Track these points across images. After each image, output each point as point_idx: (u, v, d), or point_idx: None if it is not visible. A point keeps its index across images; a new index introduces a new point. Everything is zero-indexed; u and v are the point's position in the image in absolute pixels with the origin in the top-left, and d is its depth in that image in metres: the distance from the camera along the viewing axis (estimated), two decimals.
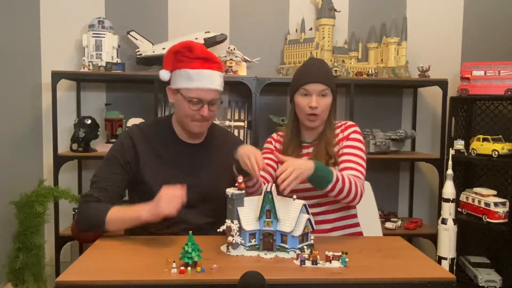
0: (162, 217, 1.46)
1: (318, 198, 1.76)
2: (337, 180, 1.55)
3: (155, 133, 1.75)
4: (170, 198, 1.46)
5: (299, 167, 1.47)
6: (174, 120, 1.78)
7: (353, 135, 1.78)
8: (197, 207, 1.71)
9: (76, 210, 1.68)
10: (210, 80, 1.64)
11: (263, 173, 1.80)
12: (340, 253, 1.32)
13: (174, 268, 1.24)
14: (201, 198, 1.71)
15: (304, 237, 1.40)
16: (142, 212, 1.50)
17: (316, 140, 1.81)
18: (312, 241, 1.44)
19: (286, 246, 1.39)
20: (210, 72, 1.65)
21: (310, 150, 1.81)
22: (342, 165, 1.72)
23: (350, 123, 1.83)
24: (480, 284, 2.64)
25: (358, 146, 1.75)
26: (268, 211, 1.40)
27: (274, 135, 1.94)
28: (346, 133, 1.79)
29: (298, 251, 1.36)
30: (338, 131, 1.81)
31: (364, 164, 1.73)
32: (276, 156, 1.66)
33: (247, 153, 1.54)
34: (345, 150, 1.74)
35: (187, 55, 1.63)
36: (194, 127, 1.70)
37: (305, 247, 1.38)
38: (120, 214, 1.55)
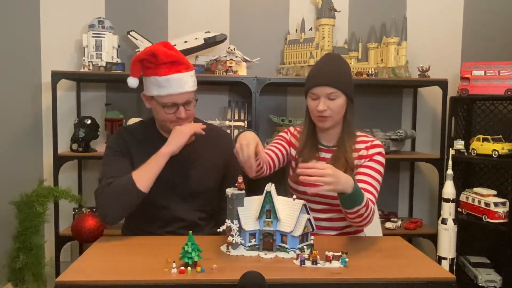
0: (184, 140, 1.61)
1: (327, 205, 1.73)
2: (364, 206, 1.49)
3: (142, 134, 1.77)
4: (185, 126, 1.64)
5: (338, 178, 1.40)
6: (157, 122, 1.79)
7: (377, 157, 1.71)
8: (189, 203, 1.73)
9: (96, 204, 1.59)
10: (180, 84, 1.63)
11: (268, 157, 1.73)
12: (340, 253, 1.32)
13: (174, 268, 1.24)
14: (191, 194, 1.74)
15: (304, 237, 1.40)
16: (161, 149, 1.60)
17: (335, 146, 1.76)
18: (312, 241, 1.43)
19: (286, 246, 1.39)
20: (179, 75, 1.62)
21: (328, 155, 1.75)
22: (359, 184, 1.66)
23: (377, 142, 1.75)
24: (480, 284, 2.64)
25: (379, 170, 1.70)
26: (268, 211, 1.40)
27: (291, 129, 1.89)
28: (370, 152, 1.72)
29: (298, 251, 1.36)
30: (362, 145, 1.74)
31: (379, 188, 1.69)
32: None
33: (240, 145, 1.47)
34: (365, 170, 1.69)
35: (153, 62, 1.61)
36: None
37: (305, 247, 1.38)
38: (142, 166, 1.60)
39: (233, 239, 1.37)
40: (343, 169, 1.65)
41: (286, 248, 1.39)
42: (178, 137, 1.63)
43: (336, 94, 1.66)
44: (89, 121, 2.66)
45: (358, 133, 1.79)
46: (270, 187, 1.40)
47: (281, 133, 1.89)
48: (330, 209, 1.72)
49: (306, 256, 1.31)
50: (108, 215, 1.58)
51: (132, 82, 1.68)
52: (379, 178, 1.70)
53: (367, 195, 1.58)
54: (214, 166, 1.80)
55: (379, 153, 1.72)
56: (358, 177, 1.70)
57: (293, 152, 1.82)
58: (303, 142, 1.78)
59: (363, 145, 1.73)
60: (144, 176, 1.57)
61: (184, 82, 1.63)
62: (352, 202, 1.48)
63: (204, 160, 1.79)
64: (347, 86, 1.69)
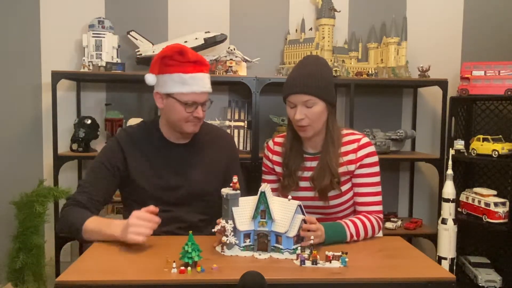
0: (134, 241, 1.40)
1: (322, 214, 1.72)
2: (351, 237, 1.55)
3: (142, 135, 1.76)
4: (139, 226, 1.41)
5: (322, 235, 1.48)
6: (161, 122, 1.78)
7: (369, 159, 1.67)
8: (190, 205, 1.73)
9: (60, 211, 1.69)
10: (203, 83, 1.65)
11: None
12: (340, 253, 1.32)
13: (174, 268, 1.24)
14: (192, 196, 1.73)
15: (299, 238, 1.39)
16: (116, 232, 1.46)
17: (320, 153, 1.70)
18: (312, 241, 1.43)
19: (281, 247, 1.38)
20: (203, 75, 1.65)
21: (314, 164, 1.70)
22: (361, 199, 1.69)
23: (364, 140, 1.69)
24: (480, 284, 2.64)
25: (375, 172, 1.69)
26: (262, 212, 1.39)
27: (271, 144, 1.83)
28: (359, 154, 1.67)
29: (298, 251, 1.35)
30: (349, 147, 1.68)
31: (381, 190, 1.70)
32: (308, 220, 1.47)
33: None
34: (362, 181, 1.67)
35: (178, 59, 1.62)
36: (188, 128, 1.70)
37: (300, 248, 1.37)
38: (96, 228, 1.51)
39: (227, 239, 1.37)
40: (329, 180, 1.64)
41: (281, 249, 1.37)
42: (131, 236, 1.41)
43: (313, 101, 1.59)
44: (89, 121, 2.66)
45: (344, 131, 1.73)
46: (265, 187, 1.40)
47: (263, 161, 1.85)
48: (324, 218, 1.70)
49: (306, 256, 1.31)
50: (58, 228, 1.66)
51: (151, 79, 1.64)
52: (378, 180, 1.70)
53: (367, 208, 1.66)
54: (216, 168, 1.79)
55: (369, 154, 1.68)
56: (357, 189, 1.70)
57: (278, 169, 1.79)
58: (288, 152, 1.73)
59: (350, 147, 1.69)
60: (92, 236, 1.52)
61: (206, 82, 1.67)
62: (338, 242, 1.52)
63: (206, 162, 1.78)
64: (325, 91, 1.61)
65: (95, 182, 1.68)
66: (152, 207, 1.47)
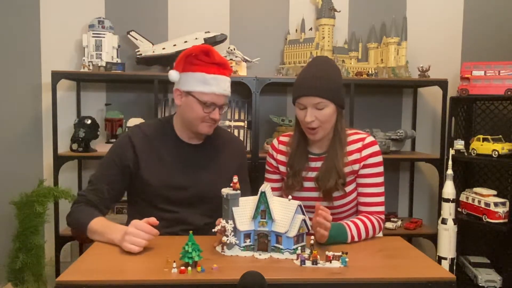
0: (130, 250, 1.39)
1: None
2: (352, 238, 1.54)
3: (155, 133, 1.76)
4: (136, 236, 1.40)
5: (327, 234, 1.47)
6: (176, 121, 1.78)
7: (373, 159, 1.67)
8: (196, 208, 1.72)
9: (71, 206, 1.72)
10: (224, 86, 1.68)
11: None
12: (340, 253, 1.32)
13: (174, 268, 1.24)
14: (200, 198, 1.72)
15: (299, 238, 1.39)
16: (116, 237, 1.46)
17: (325, 153, 1.70)
18: (312, 241, 1.43)
19: (281, 247, 1.38)
20: (225, 78, 1.68)
21: (318, 164, 1.70)
22: (364, 199, 1.68)
23: (368, 140, 1.68)
24: (480, 284, 2.64)
25: (379, 173, 1.68)
26: (263, 211, 1.38)
27: (275, 143, 1.82)
28: (364, 154, 1.66)
29: (298, 251, 1.35)
30: (353, 147, 1.68)
31: (384, 191, 1.70)
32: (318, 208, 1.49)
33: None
34: (366, 181, 1.67)
35: (203, 59, 1.64)
36: (203, 128, 1.70)
37: (300, 248, 1.37)
38: (100, 230, 1.52)
39: (227, 239, 1.37)
40: (334, 181, 1.64)
41: (281, 249, 1.37)
42: (126, 244, 1.40)
43: (324, 103, 1.60)
44: (89, 121, 2.66)
45: (348, 131, 1.73)
46: (266, 187, 1.39)
47: (267, 160, 1.84)
48: None
49: (306, 256, 1.31)
50: (68, 222, 1.68)
51: (174, 75, 1.66)
52: (382, 180, 1.70)
53: (370, 209, 1.65)
54: (225, 172, 1.76)
55: (372, 154, 1.67)
56: (360, 189, 1.70)
57: (282, 168, 1.79)
58: (293, 151, 1.73)
59: (355, 146, 1.69)
60: (95, 237, 1.54)
61: (227, 86, 1.69)
62: (338, 242, 1.51)
63: (216, 164, 1.78)
64: (336, 93, 1.62)
65: (105, 179, 1.69)
66: (152, 219, 1.46)
